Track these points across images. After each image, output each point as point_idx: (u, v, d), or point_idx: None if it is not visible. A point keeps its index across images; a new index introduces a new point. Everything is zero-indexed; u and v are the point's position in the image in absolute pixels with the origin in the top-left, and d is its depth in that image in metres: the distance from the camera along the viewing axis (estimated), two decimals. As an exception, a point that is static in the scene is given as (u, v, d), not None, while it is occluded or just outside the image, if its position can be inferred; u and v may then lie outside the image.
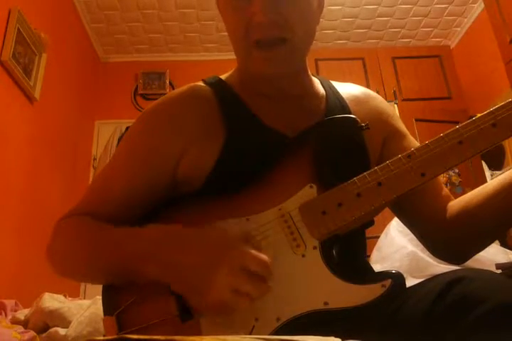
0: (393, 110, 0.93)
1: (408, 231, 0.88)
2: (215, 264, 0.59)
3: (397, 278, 0.63)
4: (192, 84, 0.82)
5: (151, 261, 0.64)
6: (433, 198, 0.82)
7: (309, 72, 0.86)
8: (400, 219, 0.88)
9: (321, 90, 0.87)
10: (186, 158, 0.75)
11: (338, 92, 0.87)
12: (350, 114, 0.81)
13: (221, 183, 0.73)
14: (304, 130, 0.73)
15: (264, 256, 0.60)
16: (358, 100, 0.87)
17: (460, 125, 0.66)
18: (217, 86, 0.81)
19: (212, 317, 0.64)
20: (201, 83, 0.82)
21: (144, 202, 0.75)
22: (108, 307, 0.70)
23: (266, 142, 0.75)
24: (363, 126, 0.73)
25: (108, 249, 0.69)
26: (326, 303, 0.63)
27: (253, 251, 0.60)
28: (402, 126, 0.89)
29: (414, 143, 0.86)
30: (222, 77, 0.85)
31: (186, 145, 0.75)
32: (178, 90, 0.81)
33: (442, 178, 3.09)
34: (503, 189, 0.71)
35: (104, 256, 0.69)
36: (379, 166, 0.68)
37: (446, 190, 0.84)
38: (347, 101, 0.85)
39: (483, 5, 2.92)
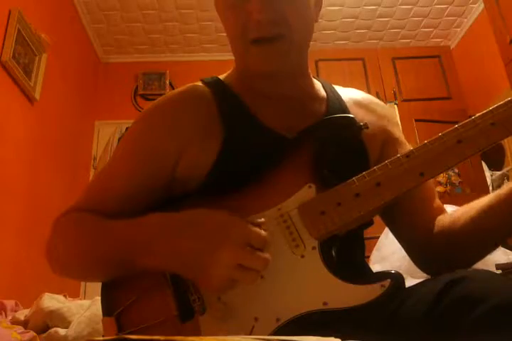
0: (394, 117, 0.93)
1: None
2: (218, 243, 0.60)
3: (397, 278, 0.63)
4: (191, 84, 0.82)
5: (150, 252, 0.64)
6: (423, 209, 0.81)
7: (311, 75, 0.87)
8: (389, 229, 0.87)
9: (323, 92, 0.86)
10: (185, 157, 0.75)
11: (339, 95, 0.87)
12: None
13: (219, 183, 0.73)
14: (303, 130, 0.73)
15: (263, 232, 0.62)
16: (359, 104, 0.87)
17: (459, 124, 0.66)
18: (216, 86, 0.81)
19: (213, 314, 0.64)
20: (200, 83, 0.82)
21: (142, 201, 0.75)
22: (107, 308, 0.70)
23: (264, 142, 0.75)
24: (361, 125, 0.73)
25: (106, 240, 0.69)
26: (325, 303, 0.63)
27: (252, 227, 0.62)
28: (400, 134, 0.89)
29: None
30: (221, 77, 0.85)
31: (185, 145, 0.75)
32: (177, 90, 0.81)
33: (442, 178, 3.09)
34: (492, 210, 0.70)
35: (102, 247, 0.69)
36: (377, 166, 0.68)
37: (438, 202, 0.83)
38: (348, 105, 0.85)
39: (483, 5, 2.92)
